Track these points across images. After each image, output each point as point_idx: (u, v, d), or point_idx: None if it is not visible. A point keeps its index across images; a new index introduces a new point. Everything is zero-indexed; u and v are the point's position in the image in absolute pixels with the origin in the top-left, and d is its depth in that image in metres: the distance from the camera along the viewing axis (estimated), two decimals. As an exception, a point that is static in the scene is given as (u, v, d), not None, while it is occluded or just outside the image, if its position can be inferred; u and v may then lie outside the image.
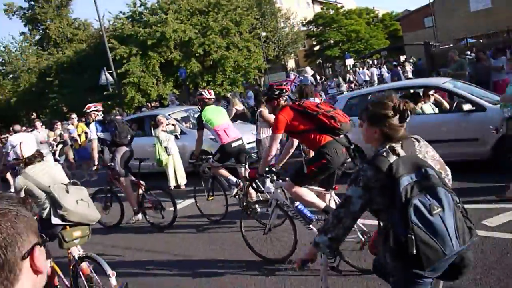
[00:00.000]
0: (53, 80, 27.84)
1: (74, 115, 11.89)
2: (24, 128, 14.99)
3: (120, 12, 25.16)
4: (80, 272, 3.79)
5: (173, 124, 9.41)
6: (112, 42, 21.64)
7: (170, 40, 21.99)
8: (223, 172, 6.05)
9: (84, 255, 3.87)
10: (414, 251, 1.88)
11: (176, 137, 9.31)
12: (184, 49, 23.18)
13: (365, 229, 3.89)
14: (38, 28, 41.16)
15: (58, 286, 3.90)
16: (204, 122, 6.06)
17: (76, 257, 3.85)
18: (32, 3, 40.24)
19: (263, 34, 30.94)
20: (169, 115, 10.15)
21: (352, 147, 4.15)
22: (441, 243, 1.90)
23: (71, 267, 3.88)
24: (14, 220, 0.89)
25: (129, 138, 6.89)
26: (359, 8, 46.79)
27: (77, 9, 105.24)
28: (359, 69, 23.19)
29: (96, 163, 7.15)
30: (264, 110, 7.60)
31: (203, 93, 6.42)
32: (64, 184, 3.96)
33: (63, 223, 3.74)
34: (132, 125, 11.08)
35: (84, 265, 3.81)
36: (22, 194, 3.98)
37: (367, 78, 20.23)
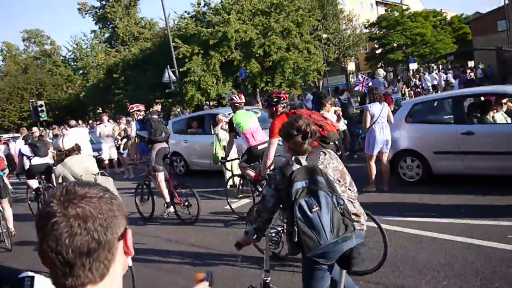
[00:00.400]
0: (119, 77, 29.08)
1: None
2: (79, 122, 15.57)
3: (185, 12, 25.84)
4: None
5: (232, 124, 9.48)
6: (176, 41, 22.22)
7: (232, 40, 22.24)
8: (250, 172, 6.45)
9: None
10: (296, 240, 2.46)
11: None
12: (244, 49, 23.36)
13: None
14: (108, 27, 43.35)
15: None
16: (234, 125, 6.49)
17: None
18: (103, 2, 42.43)
19: (324, 35, 30.56)
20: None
21: (339, 153, 4.59)
22: (317, 234, 2.44)
23: None
24: (110, 203, 0.94)
25: (164, 136, 7.29)
26: (426, 10, 44.96)
27: (144, 9, 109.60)
28: (424, 74, 22.24)
29: (134, 158, 8.32)
30: (325, 113, 7.47)
31: (234, 98, 6.93)
32: (94, 174, 4.73)
33: None
34: (193, 123, 11.32)
35: None
36: (60, 180, 4.84)
37: (434, 83, 19.34)
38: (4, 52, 56.03)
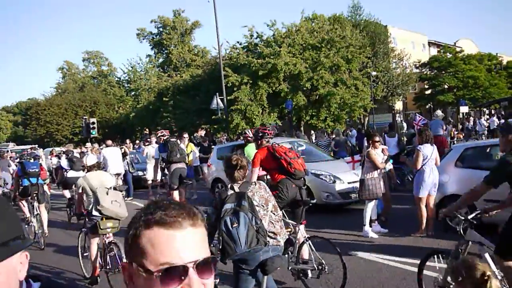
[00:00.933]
0: (168, 100, 30.07)
1: (185, 135, 12.64)
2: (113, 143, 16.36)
3: (237, 42, 26.55)
4: (106, 254, 5.49)
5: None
6: (226, 69, 22.82)
7: (281, 72, 22.60)
8: None
9: (112, 241, 5.46)
10: (221, 247, 3.33)
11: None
12: (292, 82, 23.64)
13: (322, 261, 4.75)
14: (162, 52, 45.25)
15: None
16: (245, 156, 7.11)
17: (107, 242, 5.48)
18: (161, 29, 44.46)
19: (373, 73, 30.40)
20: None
21: (304, 187, 5.53)
22: (234, 244, 3.27)
23: (103, 248, 5.59)
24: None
25: (179, 157, 8.36)
26: (480, 53, 43.90)
27: (198, 37, 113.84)
28: (479, 118, 21.55)
29: (156, 178, 10.08)
30: (372, 150, 7.37)
31: (247, 132, 8.18)
32: (107, 188, 5.55)
33: (100, 215, 5.30)
34: (238, 150, 11.46)
35: (112, 247, 5.43)
36: (80, 190, 5.90)
37: (486, 127, 18.70)
38: (65, 70, 59.49)
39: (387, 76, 34.57)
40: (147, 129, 37.26)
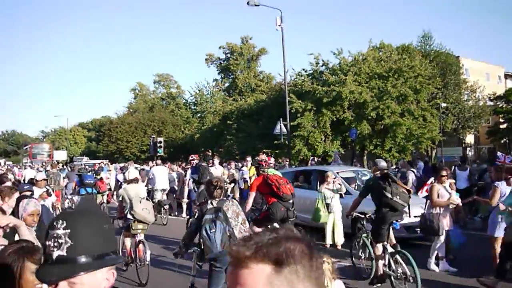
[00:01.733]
0: (232, 124, 30.73)
1: (249, 158, 12.83)
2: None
3: (303, 69, 26.73)
4: (137, 250, 6.84)
5: (339, 183, 9.40)
6: (291, 96, 22.99)
7: (345, 100, 22.39)
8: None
9: (141, 240, 6.81)
10: (202, 248, 4.41)
11: (340, 196, 9.23)
12: (357, 110, 23.31)
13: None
14: (229, 77, 46.56)
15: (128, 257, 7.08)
16: None
17: (137, 240, 6.84)
18: (229, 55, 45.89)
19: (443, 104, 29.28)
20: (337, 173, 10.16)
21: (292, 208, 6.71)
22: (211, 245, 4.28)
23: (134, 245, 6.96)
24: None
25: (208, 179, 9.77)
26: None
27: (264, 63, 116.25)
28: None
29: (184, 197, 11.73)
30: (436, 185, 7.14)
31: (263, 159, 8.95)
32: (141, 197, 7.04)
33: (133, 218, 6.68)
34: (299, 177, 11.44)
35: (140, 246, 6.80)
36: (120, 198, 7.93)
37: None
38: (137, 91, 62.94)
39: (458, 108, 33.12)
40: (210, 151, 38.24)
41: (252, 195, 7.15)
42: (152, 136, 29.45)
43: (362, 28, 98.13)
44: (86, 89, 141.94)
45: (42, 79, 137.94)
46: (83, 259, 1.26)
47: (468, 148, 40.53)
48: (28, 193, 6.33)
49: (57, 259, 1.26)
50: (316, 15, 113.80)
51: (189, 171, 10.92)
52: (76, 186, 10.38)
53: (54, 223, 1.29)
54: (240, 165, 15.37)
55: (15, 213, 4.57)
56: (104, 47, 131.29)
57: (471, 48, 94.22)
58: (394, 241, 6.53)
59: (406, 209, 6.36)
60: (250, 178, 11.87)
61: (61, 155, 54.81)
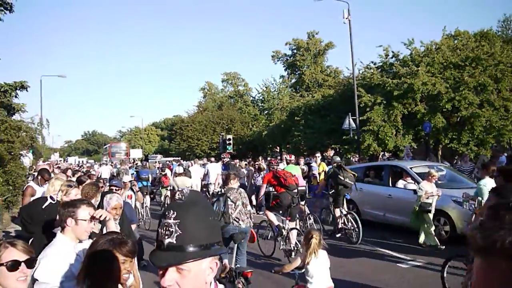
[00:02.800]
0: (300, 120, 30.61)
1: (318, 154, 12.81)
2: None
3: (371, 62, 25.98)
4: None
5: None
6: (360, 90, 22.47)
7: (418, 93, 21.46)
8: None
9: None
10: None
11: (414, 192, 8.93)
12: (430, 102, 22.25)
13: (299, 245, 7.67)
14: (295, 73, 46.43)
15: None
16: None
17: None
18: (295, 51, 45.77)
19: (528, 93, 27.04)
20: (410, 168, 9.83)
21: (296, 196, 8.36)
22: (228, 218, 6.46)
23: None
24: None
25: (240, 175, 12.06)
26: None
27: (330, 58, 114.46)
28: None
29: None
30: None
31: (286, 157, 11.84)
32: (187, 187, 8.43)
33: None
34: (370, 172, 11.20)
35: None
36: (170, 187, 12.04)
37: None
38: (206, 90, 64.77)
39: (546, 96, 30.45)
40: (277, 147, 38.40)
41: (264, 186, 8.78)
42: (222, 133, 30.24)
43: (435, 16, 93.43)
44: (159, 90, 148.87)
45: (119, 82, 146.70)
46: (191, 248, 1.37)
47: None
48: (113, 188, 6.84)
49: (168, 246, 1.38)
50: (384, 6, 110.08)
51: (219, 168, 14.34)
52: (134, 180, 11.94)
53: (166, 213, 1.43)
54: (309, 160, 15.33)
55: (100, 207, 4.96)
56: (174, 49, 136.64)
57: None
58: (346, 208, 9.85)
59: (354, 186, 9.65)
60: (319, 174, 11.83)
61: (136, 153, 57.99)
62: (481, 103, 21.68)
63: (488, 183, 6.40)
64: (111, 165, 29.14)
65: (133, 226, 6.42)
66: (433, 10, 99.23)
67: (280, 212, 8.36)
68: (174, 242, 1.37)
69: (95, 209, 3.37)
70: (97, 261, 2.49)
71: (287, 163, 11.03)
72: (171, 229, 1.38)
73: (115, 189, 6.59)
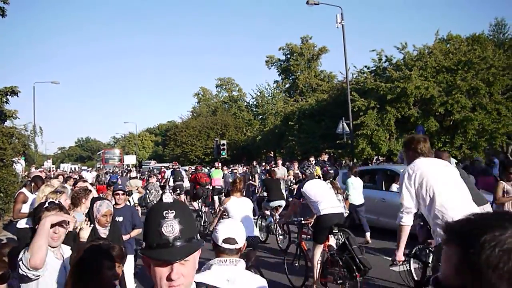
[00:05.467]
0: (294, 125, 30.63)
1: (312, 158, 12.77)
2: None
3: (365, 66, 26.09)
4: None
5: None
6: (353, 94, 22.53)
7: (411, 97, 21.54)
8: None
9: None
10: None
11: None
12: (423, 106, 22.35)
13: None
14: (289, 78, 46.54)
15: None
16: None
17: None
18: (289, 56, 45.90)
19: (520, 97, 27.25)
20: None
21: (206, 189, 13.89)
22: None
23: None
24: None
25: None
26: None
27: (324, 62, 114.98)
28: None
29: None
30: (503, 183, 6.80)
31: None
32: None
33: None
34: (364, 176, 11.20)
35: None
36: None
37: None
38: (200, 95, 64.77)
39: (537, 99, 30.70)
40: (272, 152, 38.38)
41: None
42: (216, 139, 30.17)
43: (428, 20, 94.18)
44: (153, 96, 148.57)
45: (113, 88, 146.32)
46: (193, 240, 1.56)
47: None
48: (101, 195, 6.73)
49: (175, 242, 1.51)
50: (377, 10, 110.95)
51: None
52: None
53: (164, 213, 1.54)
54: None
55: (90, 214, 4.88)
56: (167, 54, 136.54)
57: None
58: None
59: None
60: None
61: (130, 160, 57.73)
62: (473, 106, 21.80)
63: (353, 181, 9.73)
64: (96, 171, 30.28)
65: (138, 231, 6.21)
66: (426, 14, 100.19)
67: (200, 200, 12.95)
68: (180, 237, 1.51)
69: (67, 213, 3.25)
70: (85, 268, 2.46)
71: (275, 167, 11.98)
72: (175, 226, 1.51)
73: (121, 193, 6.40)
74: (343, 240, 6.36)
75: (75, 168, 55.70)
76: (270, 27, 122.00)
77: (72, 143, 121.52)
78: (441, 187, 3.94)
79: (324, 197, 6.42)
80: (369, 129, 22.38)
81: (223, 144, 24.72)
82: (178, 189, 15.95)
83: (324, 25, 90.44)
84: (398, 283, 6.66)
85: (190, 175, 17.61)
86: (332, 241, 6.58)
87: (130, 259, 5.76)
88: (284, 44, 45.73)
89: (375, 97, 22.71)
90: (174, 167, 21.37)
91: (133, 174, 15.26)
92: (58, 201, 3.65)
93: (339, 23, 19.30)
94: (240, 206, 6.47)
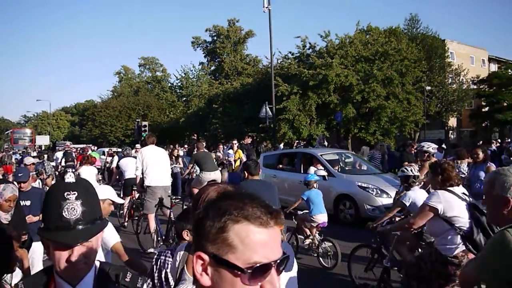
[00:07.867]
0: (218, 107, 30.52)
1: (235, 141, 12.78)
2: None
3: (289, 52, 26.56)
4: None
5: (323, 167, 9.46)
6: (277, 79, 22.87)
7: (331, 84, 22.38)
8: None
9: None
10: None
11: (323, 178, 9.27)
12: (342, 93, 23.36)
13: None
14: (215, 60, 46.11)
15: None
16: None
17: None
18: (215, 38, 45.37)
19: (428, 88, 29.48)
20: (320, 155, 10.20)
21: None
22: None
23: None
24: None
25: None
26: (546, 71, 41.40)
27: (250, 46, 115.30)
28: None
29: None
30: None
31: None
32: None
33: None
34: (284, 159, 11.46)
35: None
36: None
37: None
38: (122, 74, 62.04)
39: (442, 91, 33.40)
40: (195, 135, 37.98)
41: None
42: (137, 120, 29.10)
43: (350, 11, 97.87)
44: (70, 72, 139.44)
45: (24, 62, 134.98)
46: (96, 221, 1.50)
47: (451, 131, 41.05)
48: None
49: (76, 224, 1.44)
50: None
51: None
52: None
53: (65, 195, 1.45)
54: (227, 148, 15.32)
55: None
56: (87, 29, 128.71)
57: (456, 31, 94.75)
58: None
59: None
60: (235, 161, 11.85)
61: (43, 140, 53.98)
62: (387, 95, 23.21)
63: None
64: (1, 152, 27.80)
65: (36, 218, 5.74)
66: (349, 4, 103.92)
67: None
68: (82, 219, 1.45)
69: None
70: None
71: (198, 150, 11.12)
72: (76, 208, 1.44)
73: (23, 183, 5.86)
74: None
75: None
76: (198, 7, 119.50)
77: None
78: None
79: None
80: (291, 114, 22.95)
81: (145, 126, 23.84)
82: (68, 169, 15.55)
83: (251, 8, 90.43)
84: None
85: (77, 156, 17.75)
86: None
87: (39, 245, 5.37)
88: (211, 26, 45.23)
89: (298, 83, 23.28)
90: (66, 149, 22.21)
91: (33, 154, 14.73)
92: None
93: (266, 7, 19.27)
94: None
